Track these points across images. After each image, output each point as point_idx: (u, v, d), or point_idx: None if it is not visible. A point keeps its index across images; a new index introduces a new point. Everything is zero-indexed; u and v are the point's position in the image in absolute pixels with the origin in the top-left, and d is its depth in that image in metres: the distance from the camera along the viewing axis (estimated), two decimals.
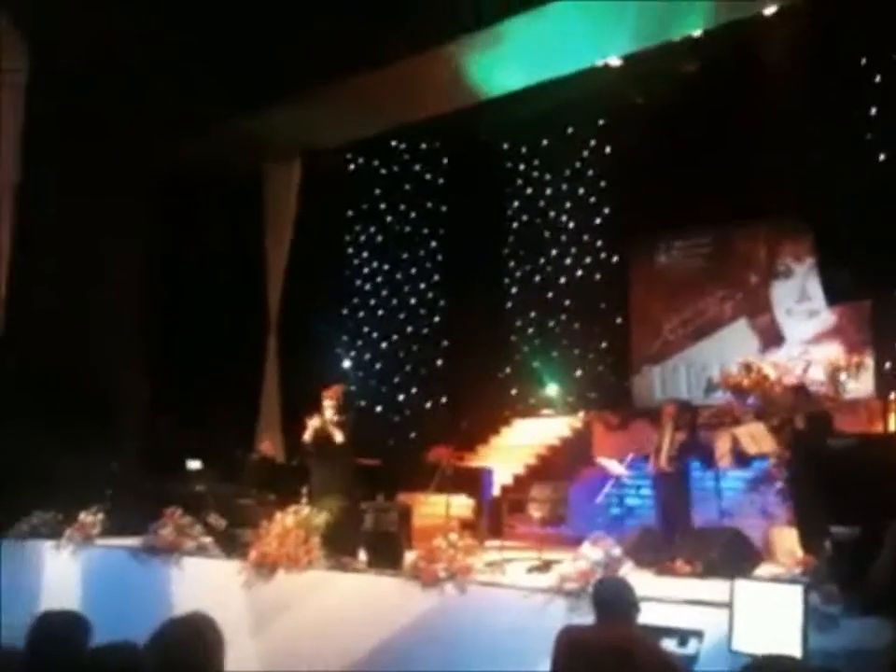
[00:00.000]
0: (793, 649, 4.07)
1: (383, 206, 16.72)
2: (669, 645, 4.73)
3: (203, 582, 7.74)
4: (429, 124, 12.76)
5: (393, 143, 16.01)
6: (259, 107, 11.36)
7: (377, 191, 16.66)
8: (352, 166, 16.40)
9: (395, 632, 6.34)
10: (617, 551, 5.93)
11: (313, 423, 8.50)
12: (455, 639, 6.02)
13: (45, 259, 11.10)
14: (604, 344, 14.76)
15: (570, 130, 15.04)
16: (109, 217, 11.44)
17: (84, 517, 9.11)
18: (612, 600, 4.12)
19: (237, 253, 13.51)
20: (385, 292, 16.71)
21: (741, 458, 8.78)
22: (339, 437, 8.35)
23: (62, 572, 8.86)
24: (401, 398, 16.23)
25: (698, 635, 4.82)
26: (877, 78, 12.08)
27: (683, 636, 4.84)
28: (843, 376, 11.08)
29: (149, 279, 12.41)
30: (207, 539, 8.38)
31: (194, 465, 11.02)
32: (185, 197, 12.77)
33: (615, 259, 14.88)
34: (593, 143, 15.00)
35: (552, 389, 14.63)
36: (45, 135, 10.85)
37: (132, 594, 7.91)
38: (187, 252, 13.13)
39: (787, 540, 7.17)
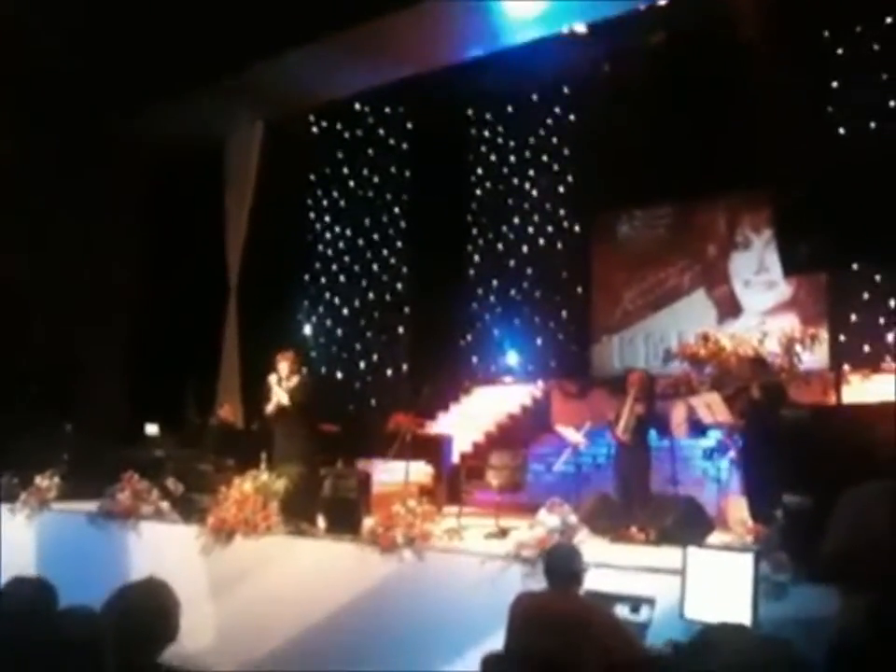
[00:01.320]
0: (743, 616, 4.16)
1: (345, 171, 16.60)
2: (622, 612, 4.81)
3: (161, 548, 7.71)
4: (394, 89, 12.65)
5: (357, 107, 15.86)
6: (223, 71, 11.19)
7: (340, 156, 16.53)
8: (315, 130, 16.24)
9: (353, 597, 6.38)
10: (573, 518, 5.99)
11: (267, 387, 8.60)
12: (412, 605, 6.08)
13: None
14: (564, 314, 14.83)
15: (535, 97, 14.99)
16: (66, 184, 11.27)
17: (40, 481, 9.03)
18: (564, 568, 4.19)
19: (197, 217, 13.35)
20: (346, 258, 16.64)
21: (697, 427, 8.90)
22: (285, 400, 8.43)
23: (17, 536, 8.77)
24: (362, 364, 16.22)
25: (650, 602, 4.90)
26: (839, 51, 12.18)
27: (636, 603, 4.92)
28: (798, 348, 11.28)
29: (108, 245, 12.24)
30: (165, 504, 8.34)
31: (152, 429, 10.96)
32: (145, 161, 12.59)
33: (577, 228, 14.91)
34: (557, 111, 14.98)
35: (512, 357, 14.68)
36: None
37: (88, 558, 7.86)
38: (146, 216, 12.96)
39: (740, 509, 7.28)
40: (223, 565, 7.27)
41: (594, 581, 4.93)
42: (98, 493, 8.55)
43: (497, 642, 4.21)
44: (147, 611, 2.86)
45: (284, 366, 8.75)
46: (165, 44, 10.48)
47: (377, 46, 10.45)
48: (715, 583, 4.38)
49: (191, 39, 10.45)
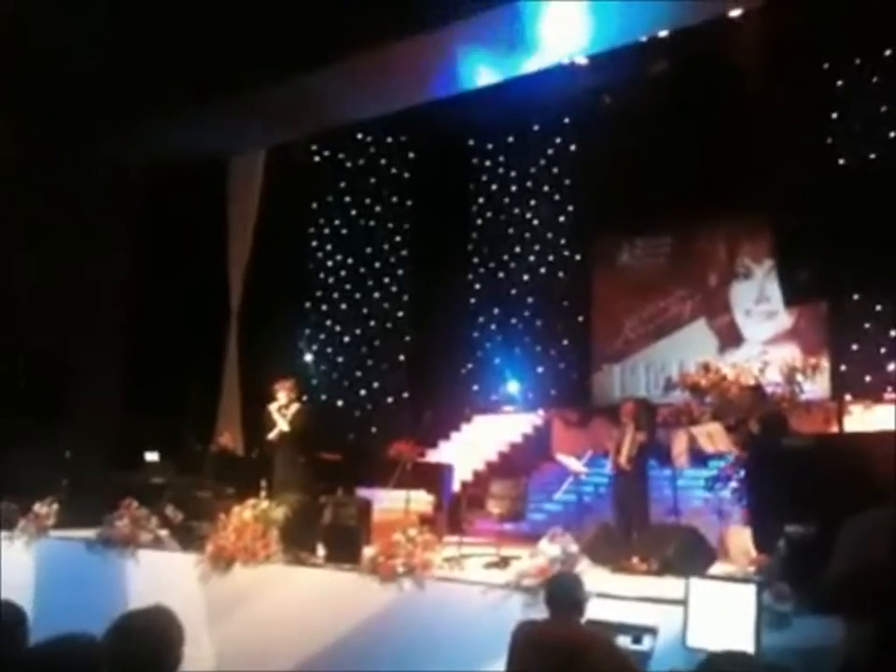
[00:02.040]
0: (746, 646, 4.12)
1: (347, 199, 16.67)
2: (624, 641, 4.77)
3: (160, 575, 7.66)
4: (396, 118, 12.73)
5: (359, 136, 15.97)
6: (225, 97, 11.26)
7: (342, 184, 16.61)
8: (317, 158, 16.34)
9: (353, 626, 6.33)
10: (574, 547, 5.96)
11: (267, 415, 8.70)
12: (412, 634, 6.03)
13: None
14: (565, 342, 14.84)
15: (536, 127, 15.10)
16: (70, 206, 11.31)
17: (38, 508, 8.97)
18: (565, 596, 4.17)
19: (200, 243, 13.39)
20: (348, 286, 16.67)
21: (698, 457, 8.86)
22: (285, 427, 8.57)
23: (15, 564, 8.72)
24: (363, 392, 16.20)
25: (652, 631, 4.87)
26: (839, 83, 12.28)
27: (638, 632, 4.88)
28: (799, 377, 11.25)
29: (111, 268, 12.26)
30: (164, 532, 8.30)
31: (152, 457, 10.93)
32: (149, 187, 12.64)
33: (578, 257, 14.97)
34: (558, 141, 15.08)
35: (513, 386, 14.68)
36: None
37: (87, 586, 7.83)
38: (149, 241, 12.99)
39: (741, 539, 7.25)
40: (222, 593, 7.22)
41: (595, 611, 4.90)
42: (97, 520, 8.51)
43: (498, 670, 4.18)
44: (152, 639, 2.83)
45: (283, 395, 8.83)
46: (167, 62, 10.54)
47: (379, 74, 10.50)
48: (718, 614, 4.35)
49: (195, 60, 10.52)
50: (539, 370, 14.84)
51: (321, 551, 7.17)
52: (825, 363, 11.96)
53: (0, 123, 10.66)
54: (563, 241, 15.11)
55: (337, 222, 16.79)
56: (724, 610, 4.33)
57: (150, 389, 12.42)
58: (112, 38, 10.51)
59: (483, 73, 10.86)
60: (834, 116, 12.23)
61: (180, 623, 2.94)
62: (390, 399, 15.88)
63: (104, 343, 12.16)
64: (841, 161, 12.04)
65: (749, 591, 4.33)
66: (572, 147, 14.93)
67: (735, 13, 10.26)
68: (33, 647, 2.75)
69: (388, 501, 9.31)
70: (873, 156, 11.87)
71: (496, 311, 15.55)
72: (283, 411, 8.82)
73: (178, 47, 10.42)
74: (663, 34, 10.59)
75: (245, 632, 6.96)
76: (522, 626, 4.23)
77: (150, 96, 10.91)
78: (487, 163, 15.99)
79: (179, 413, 12.23)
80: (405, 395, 15.65)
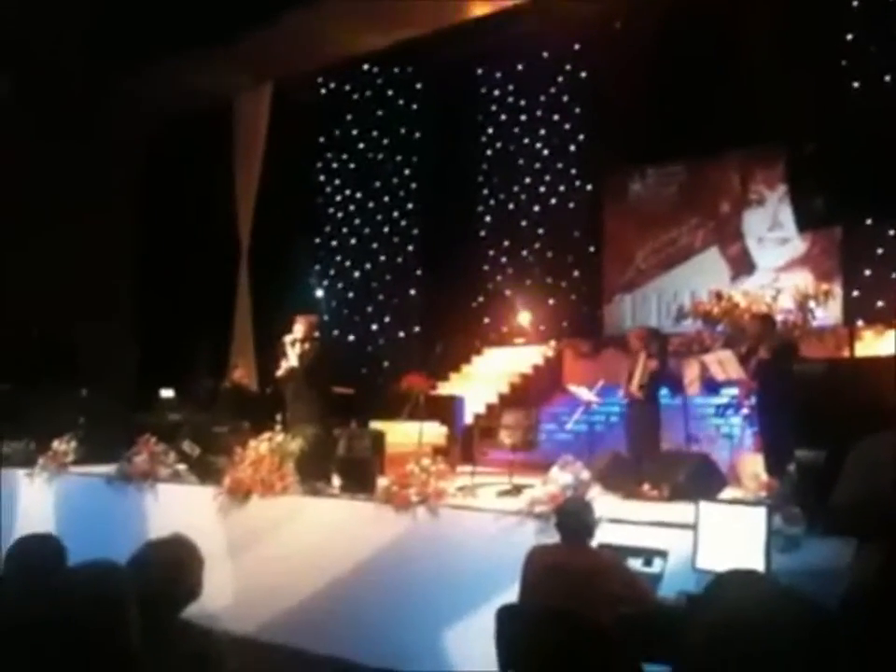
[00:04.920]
0: (756, 568, 4.18)
1: (355, 133, 16.51)
2: (635, 564, 4.84)
3: (178, 509, 7.79)
4: (403, 48, 12.53)
5: (365, 67, 15.74)
6: (230, 32, 11.10)
7: (349, 117, 16.44)
8: (323, 91, 16.15)
9: (368, 555, 6.44)
10: (586, 474, 6.02)
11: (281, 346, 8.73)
12: (427, 561, 6.14)
13: (9, 194, 10.90)
14: (576, 273, 14.78)
15: (545, 54, 14.83)
16: (78, 151, 11.25)
17: (57, 445, 9.10)
18: (575, 521, 4.23)
19: (207, 180, 13.32)
20: (357, 221, 16.61)
21: (709, 385, 8.89)
22: (296, 363, 8.61)
23: (36, 501, 8.89)
24: (374, 327, 16.26)
25: (663, 555, 4.94)
26: (854, 4, 12.00)
27: (648, 555, 4.95)
28: (812, 304, 11.23)
29: (120, 211, 12.24)
30: (182, 467, 8.42)
31: (167, 393, 11.03)
32: (155, 126, 12.55)
33: (589, 187, 14.82)
34: (568, 68, 14.82)
35: (524, 318, 14.68)
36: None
37: (107, 521, 7.96)
38: (156, 182, 12.94)
39: (752, 465, 7.30)
40: (240, 525, 7.34)
41: (607, 535, 4.97)
42: (115, 457, 8.63)
43: (511, 595, 4.26)
44: (172, 567, 2.89)
45: (300, 328, 8.83)
46: (169, 4, 10.40)
47: (386, 5, 10.34)
48: (728, 537, 4.40)
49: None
50: (550, 301, 14.80)
51: (336, 482, 7.28)
52: (838, 289, 11.90)
53: (7, 70, 10.57)
54: (573, 171, 14.93)
55: (344, 156, 16.67)
56: (734, 534, 4.38)
57: (164, 326, 12.49)
58: None
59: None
60: (849, 38, 11.96)
61: (199, 552, 3.01)
62: (401, 334, 15.92)
63: (116, 281, 12.21)
64: (855, 85, 11.81)
65: (760, 514, 4.37)
66: (582, 75, 14.67)
67: None
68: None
69: (401, 434, 9.40)
70: (888, 78, 11.64)
71: (506, 243, 15.46)
72: (297, 345, 8.83)
73: None
74: None
75: (263, 562, 7.10)
76: (534, 551, 4.30)
77: (154, 37, 10.78)
78: (496, 93, 15.74)
79: (193, 350, 12.30)
80: (416, 329, 15.68)
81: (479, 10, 10.90)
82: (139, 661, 2.07)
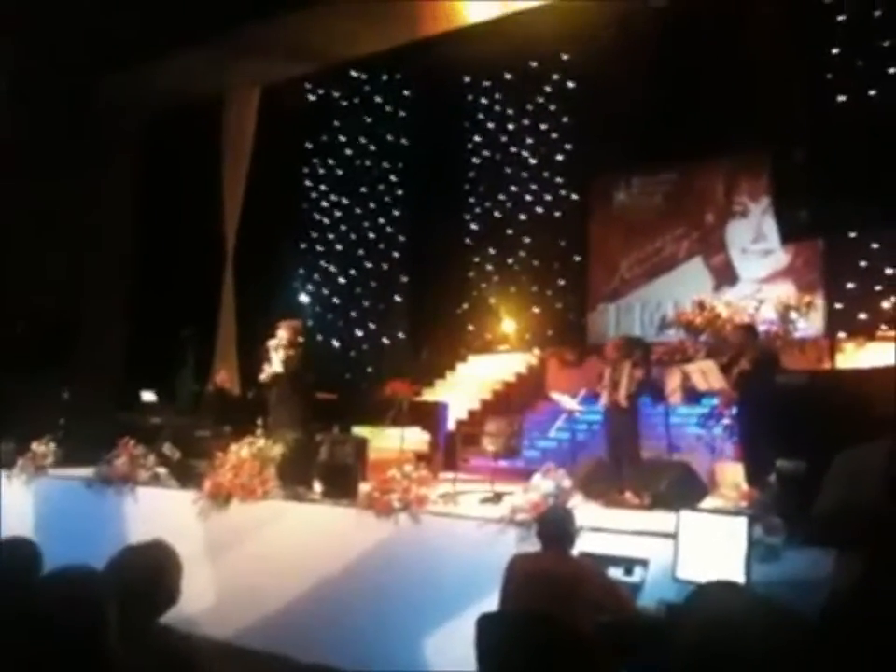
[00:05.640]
0: (736, 578, 4.19)
1: (342, 139, 16.50)
2: (615, 573, 4.85)
3: (158, 512, 7.74)
4: (391, 55, 12.53)
5: (353, 73, 15.75)
6: (220, 34, 11.07)
7: (336, 123, 16.43)
8: (311, 97, 16.14)
9: (349, 561, 6.42)
10: (567, 482, 6.02)
11: (265, 351, 8.71)
12: (408, 568, 6.12)
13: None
14: (561, 282, 14.81)
15: (533, 64, 14.88)
16: (58, 143, 11.18)
17: (36, 447, 9.04)
18: (556, 529, 4.23)
19: (194, 182, 13.27)
20: (343, 226, 16.60)
21: (691, 394, 8.92)
22: (280, 368, 8.52)
23: (14, 502, 8.80)
24: (359, 333, 16.24)
25: (643, 563, 4.95)
26: (840, 17, 12.09)
27: (629, 564, 4.96)
28: (794, 315, 11.29)
29: (108, 210, 12.16)
30: (162, 470, 8.37)
31: (149, 396, 10.98)
32: (139, 122, 12.48)
33: (575, 196, 14.87)
34: (555, 77, 14.87)
35: (508, 325, 14.69)
36: None
37: (86, 524, 7.90)
38: (142, 180, 12.87)
39: (733, 475, 7.33)
40: (220, 530, 7.31)
41: (588, 544, 4.97)
42: (94, 459, 8.58)
43: (492, 602, 4.25)
44: (152, 571, 2.87)
45: (284, 334, 8.81)
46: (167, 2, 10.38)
47: (374, 10, 10.33)
48: (708, 546, 4.41)
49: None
50: (535, 309, 14.83)
51: (318, 487, 7.25)
52: (820, 301, 11.98)
53: None
54: (559, 180, 14.99)
55: (331, 161, 16.66)
56: (715, 543, 4.39)
57: (147, 329, 12.42)
58: None
59: (481, 7, 10.68)
60: (835, 51, 12.05)
61: (178, 557, 2.99)
62: (386, 340, 15.91)
63: (101, 283, 12.11)
64: (840, 98, 11.90)
65: (741, 524, 4.38)
66: (569, 84, 14.73)
67: None
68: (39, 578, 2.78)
69: (384, 440, 9.39)
70: (872, 93, 11.74)
71: (491, 250, 15.48)
72: (281, 350, 8.81)
73: None
74: None
75: (243, 567, 7.06)
76: (515, 559, 4.30)
77: (144, 34, 10.74)
78: (484, 101, 15.78)
79: (176, 353, 12.24)
80: (401, 335, 15.67)
81: (470, 18, 10.89)
82: (117, 665, 2.05)
